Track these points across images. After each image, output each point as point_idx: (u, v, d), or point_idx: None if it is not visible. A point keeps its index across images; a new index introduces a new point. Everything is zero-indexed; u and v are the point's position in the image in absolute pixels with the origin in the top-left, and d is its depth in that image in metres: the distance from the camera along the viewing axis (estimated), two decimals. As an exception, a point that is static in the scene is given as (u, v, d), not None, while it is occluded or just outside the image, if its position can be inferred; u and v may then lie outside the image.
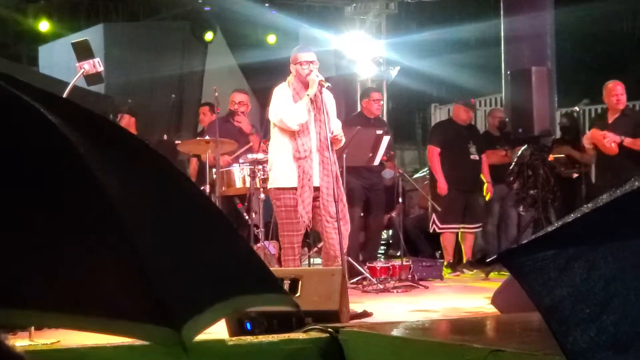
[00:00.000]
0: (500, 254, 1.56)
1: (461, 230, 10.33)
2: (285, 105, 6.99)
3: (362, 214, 9.86)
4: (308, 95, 6.96)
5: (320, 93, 6.98)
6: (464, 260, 10.45)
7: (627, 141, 9.07)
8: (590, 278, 1.46)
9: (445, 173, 10.11)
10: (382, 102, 10.70)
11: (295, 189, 6.96)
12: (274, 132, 7.18)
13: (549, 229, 1.52)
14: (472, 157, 10.33)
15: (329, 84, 7.13)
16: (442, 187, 10.09)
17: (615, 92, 9.27)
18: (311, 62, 7.06)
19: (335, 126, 7.18)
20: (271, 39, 14.47)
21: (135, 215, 1.43)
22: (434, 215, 10.23)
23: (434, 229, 10.29)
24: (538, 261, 1.47)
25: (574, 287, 1.46)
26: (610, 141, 9.02)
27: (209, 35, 14.15)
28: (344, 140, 7.32)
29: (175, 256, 1.49)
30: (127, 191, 1.45)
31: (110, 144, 1.53)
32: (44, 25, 14.62)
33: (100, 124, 1.57)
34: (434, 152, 10.25)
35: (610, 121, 9.28)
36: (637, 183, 1.44)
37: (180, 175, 1.68)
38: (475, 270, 9.92)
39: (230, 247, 1.63)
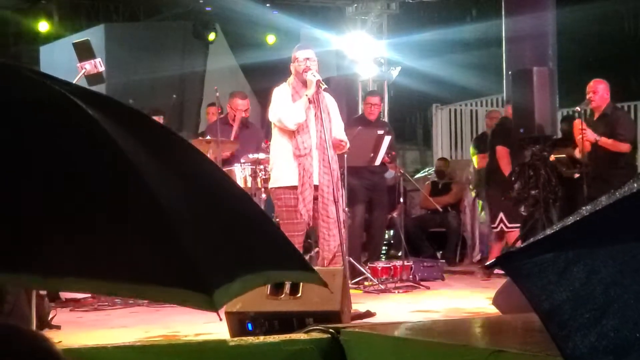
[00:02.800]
0: (499, 258, 1.55)
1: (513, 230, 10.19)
2: (283, 105, 7.01)
3: (365, 214, 9.86)
4: (307, 95, 6.97)
5: (318, 93, 6.99)
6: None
7: (602, 141, 9.11)
8: (589, 282, 1.45)
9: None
10: (381, 105, 10.64)
11: (296, 188, 6.96)
12: (274, 132, 7.20)
13: (548, 231, 1.51)
14: None
15: (326, 86, 7.14)
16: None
17: (589, 90, 9.28)
18: (308, 58, 7.08)
19: (339, 130, 7.18)
20: (272, 39, 14.47)
21: (168, 189, 1.51)
22: (501, 214, 10.06)
23: (501, 228, 10.11)
24: (537, 265, 1.46)
25: (574, 291, 1.45)
26: (585, 138, 9.06)
27: (210, 36, 14.14)
28: (348, 146, 7.32)
29: (207, 228, 1.57)
30: (159, 168, 1.54)
31: (141, 129, 1.63)
32: (44, 26, 14.62)
33: (131, 114, 1.67)
34: (505, 153, 10.09)
35: (595, 119, 9.33)
36: (635, 185, 1.43)
37: (220, 172, 1.90)
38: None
39: (261, 227, 1.76)
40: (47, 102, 1.48)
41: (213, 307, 1.47)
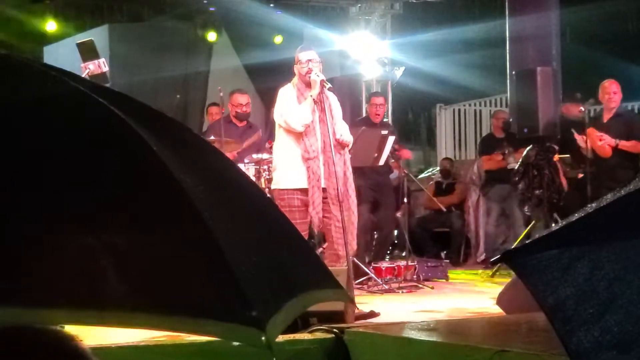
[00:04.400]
0: (504, 254, 1.55)
1: None
2: (289, 106, 7.00)
3: (370, 214, 9.85)
4: (311, 96, 6.97)
5: (322, 93, 6.99)
6: None
7: (622, 144, 9.07)
8: (593, 278, 1.46)
9: None
10: (385, 106, 10.65)
11: (300, 189, 6.97)
12: (279, 134, 7.19)
13: (553, 228, 1.52)
14: None
15: (330, 85, 7.14)
16: None
17: (609, 91, 9.24)
18: (310, 60, 7.07)
19: (342, 129, 7.18)
20: (276, 39, 14.47)
21: (214, 213, 1.42)
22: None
23: None
24: (542, 261, 1.47)
25: (578, 286, 1.46)
26: (605, 143, 9.01)
27: (213, 36, 14.15)
28: (351, 140, 7.32)
29: (253, 254, 1.47)
30: (205, 192, 1.44)
31: (184, 145, 1.54)
32: (49, 26, 14.63)
33: (172, 125, 1.59)
34: None
35: (605, 121, 9.28)
36: None
37: (248, 179, 1.73)
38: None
39: (294, 244, 1.65)
40: (67, 100, 1.41)
41: (268, 343, 1.36)
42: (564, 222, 1.50)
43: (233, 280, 1.35)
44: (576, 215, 1.47)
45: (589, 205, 1.46)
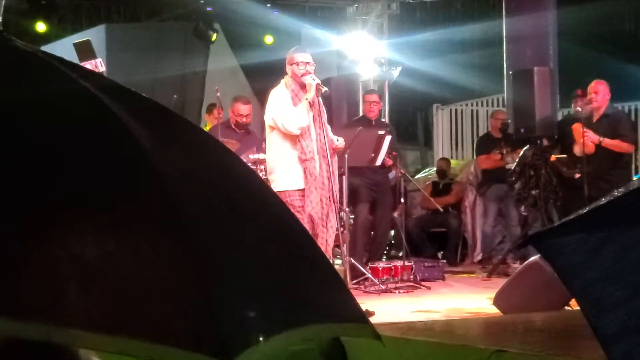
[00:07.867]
0: (531, 236, 1.56)
1: None
2: (285, 109, 6.98)
3: (368, 214, 9.85)
4: (307, 99, 6.96)
5: (317, 96, 6.99)
6: None
7: (606, 142, 9.06)
8: (620, 262, 1.46)
9: None
10: (380, 103, 10.64)
11: (300, 190, 6.96)
12: (272, 136, 7.12)
13: (580, 212, 1.52)
14: None
15: (327, 88, 7.13)
16: None
17: (591, 91, 9.25)
18: (307, 62, 7.06)
19: (329, 132, 7.23)
20: (270, 39, 14.47)
21: (208, 231, 1.31)
22: None
23: None
24: (569, 244, 1.48)
25: (605, 270, 1.46)
26: (588, 139, 9.01)
27: (210, 36, 14.14)
28: (342, 144, 7.36)
29: (252, 278, 1.33)
30: (202, 206, 1.33)
31: (177, 142, 1.44)
32: (45, 26, 14.62)
33: (165, 116, 1.48)
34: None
35: (594, 120, 9.28)
36: None
37: (255, 178, 1.60)
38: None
39: (310, 266, 1.48)
40: (71, 100, 1.35)
41: None
42: (591, 207, 1.50)
43: (209, 306, 1.23)
44: (603, 200, 1.47)
45: (616, 191, 1.47)
